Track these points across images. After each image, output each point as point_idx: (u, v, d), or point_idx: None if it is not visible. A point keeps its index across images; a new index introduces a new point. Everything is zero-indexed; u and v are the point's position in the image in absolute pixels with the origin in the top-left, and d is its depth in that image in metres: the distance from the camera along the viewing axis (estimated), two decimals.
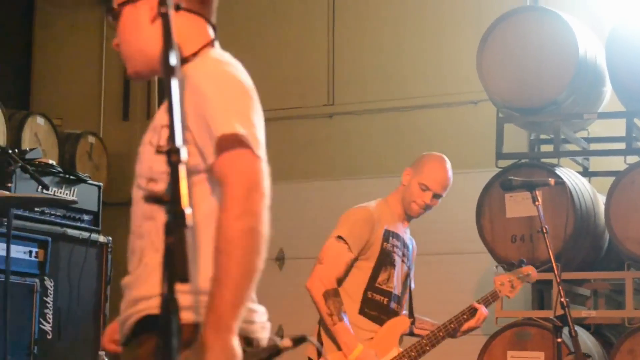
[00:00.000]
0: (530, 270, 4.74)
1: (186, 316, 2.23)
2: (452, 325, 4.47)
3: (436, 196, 4.26)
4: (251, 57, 7.82)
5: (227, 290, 2.01)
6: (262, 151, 2.07)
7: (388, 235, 4.24)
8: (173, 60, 1.73)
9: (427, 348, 4.41)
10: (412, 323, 4.55)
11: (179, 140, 1.70)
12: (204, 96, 2.09)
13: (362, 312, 4.34)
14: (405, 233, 4.42)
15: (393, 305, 4.45)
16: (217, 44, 2.29)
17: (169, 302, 1.68)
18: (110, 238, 6.62)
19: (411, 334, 4.63)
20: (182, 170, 1.69)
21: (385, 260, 4.22)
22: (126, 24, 2.25)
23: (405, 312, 4.54)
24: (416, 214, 4.28)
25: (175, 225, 1.67)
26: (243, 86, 2.13)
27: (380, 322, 4.37)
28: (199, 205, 2.09)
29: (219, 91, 2.08)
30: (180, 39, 1.97)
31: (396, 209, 4.31)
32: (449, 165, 4.34)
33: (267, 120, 6.92)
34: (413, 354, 4.32)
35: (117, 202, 7.26)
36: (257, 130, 2.08)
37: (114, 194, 7.38)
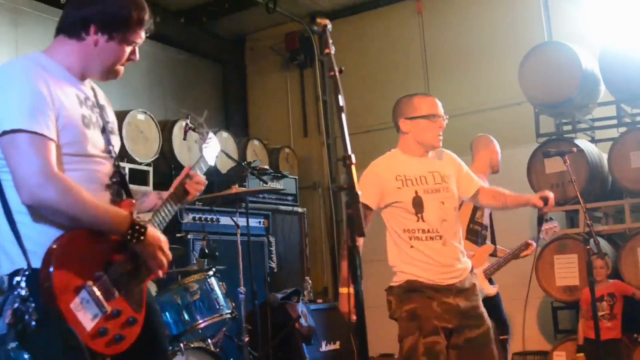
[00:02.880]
0: (555, 223, 5.56)
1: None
2: (510, 257, 5.40)
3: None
4: (357, 82, 8.79)
5: None
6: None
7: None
8: (341, 101, 2.14)
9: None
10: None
11: (349, 150, 2.05)
12: None
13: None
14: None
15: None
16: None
17: (353, 249, 1.97)
18: (305, 209, 8.02)
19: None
20: (353, 169, 2.01)
21: None
22: None
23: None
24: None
25: (353, 202, 1.96)
26: None
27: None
28: None
29: None
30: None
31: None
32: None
33: (373, 132, 7.88)
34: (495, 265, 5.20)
35: (306, 186, 9.03)
36: None
37: (303, 182, 8.81)
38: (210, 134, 3.21)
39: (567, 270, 6.79)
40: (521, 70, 7.23)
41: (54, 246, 2.28)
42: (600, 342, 5.06)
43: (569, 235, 6.97)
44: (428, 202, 3.74)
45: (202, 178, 2.95)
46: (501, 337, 5.27)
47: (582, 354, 6.17)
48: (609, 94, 7.28)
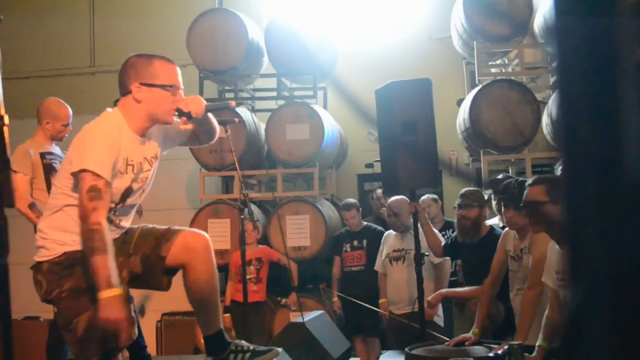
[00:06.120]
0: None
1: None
2: None
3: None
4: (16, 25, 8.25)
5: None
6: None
7: None
8: None
9: None
10: None
11: (2, 108, 1.83)
12: None
13: None
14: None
15: None
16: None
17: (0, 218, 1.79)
18: None
19: None
20: (6, 130, 1.82)
21: None
22: None
23: None
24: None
25: (2, 168, 1.80)
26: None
27: None
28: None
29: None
30: None
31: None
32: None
33: (33, 78, 7.67)
34: None
35: None
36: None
37: None
38: None
39: (220, 234, 6.90)
40: (189, 33, 7.26)
41: None
42: (247, 304, 5.11)
43: (224, 200, 7.12)
44: (135, 195, 3.24)
45: None
46: None
47: (228, 315, 6.26)
48: (271, 67, 7.50)
